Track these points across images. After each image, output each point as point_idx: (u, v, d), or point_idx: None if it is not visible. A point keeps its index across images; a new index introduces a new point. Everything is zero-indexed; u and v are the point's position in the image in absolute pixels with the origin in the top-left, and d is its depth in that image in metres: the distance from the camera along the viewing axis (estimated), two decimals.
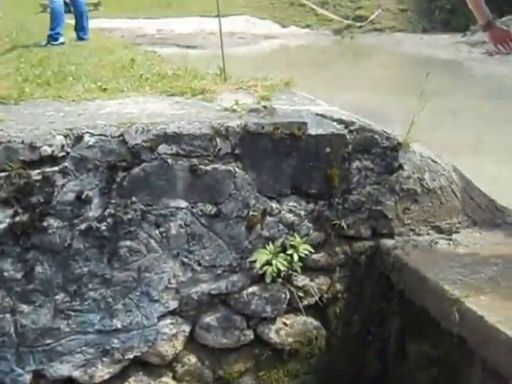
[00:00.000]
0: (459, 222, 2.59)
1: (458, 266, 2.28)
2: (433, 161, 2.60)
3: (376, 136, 2.49)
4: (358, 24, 24.60)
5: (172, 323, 2.33)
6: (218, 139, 2.28)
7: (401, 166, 2.53)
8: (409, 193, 2.53)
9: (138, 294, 2.27)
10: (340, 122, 2.49)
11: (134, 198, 2.21)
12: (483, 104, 8.75)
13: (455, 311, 2.03)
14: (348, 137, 2.45)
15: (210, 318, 2.37)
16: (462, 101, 9.12)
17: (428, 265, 2.29)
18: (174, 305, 2.32)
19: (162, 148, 2.22)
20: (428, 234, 2.55)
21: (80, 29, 6.81)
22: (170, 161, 2.23)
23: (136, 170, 2.20)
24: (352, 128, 2.47)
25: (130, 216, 2.21)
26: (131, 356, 2.30)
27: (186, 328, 2.36)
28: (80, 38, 6.70)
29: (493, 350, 1.89)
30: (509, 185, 4.78)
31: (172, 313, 2.33)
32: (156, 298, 2.29)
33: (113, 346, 2.27)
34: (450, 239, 2.51)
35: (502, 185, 4.73)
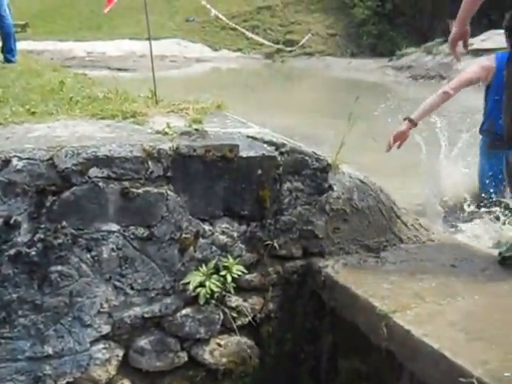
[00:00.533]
0: (386, 240, 2.67)
1: (386, 282, 2.34)
2: (361, 181, 2.67)
3: (306, 158, 2.55)
4: (289, 48, 25.06)
5: (105, 348, 2.31)
6: (149, 162, 2.28)
7: (330, 187, 2.59)
8: (338, 213, 2.60)
9: (69, 319, 2.23)
10: (271, 144, 2.53)
11: (64, 223, 2.19)
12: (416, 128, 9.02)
13: (383, 326, 2.08)
14: (279, 158, 2.49)
15: (143, 342, 2.36)
16: (388, 124, 9.36)
17: (357, 282, 2.35)
18: (106, 329, 2.30)
19: (93, 171, 2.21)
20: (357, 252, 2.61)
21: (7, 51, 6.70)
22: (100, 184, 2.22)
23: (66, 193, 2.18)
24: (283, 150, 2.51)
25: (60, 240, 2.19)
26: (64, 382, 2.25)
27: (120, 352, 2.34)
28: (7, 60, 6.59)
29: (420, 362, 1.95)
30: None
31: (105, 337, 2.30)
32: (88, 322, 2.26)
33: (44, 372, 2.22)
34: (378, 257, 2.58)
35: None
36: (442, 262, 2.53)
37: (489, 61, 4.54)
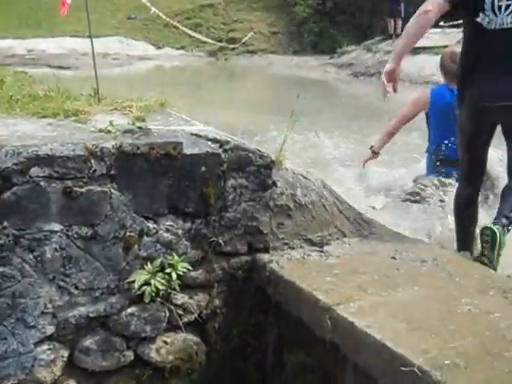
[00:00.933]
0: (330, 235, 2.72)
1: (329, 276, 2.39)
2: (304, 177, 2.71)
3: (250, 154, 2.57)
4: (231, 46, 25.07)
5: (49, 349, 2.27)
6: (92, 160, 2.26)
7: (274, 183, 2.62)
8: (282, 208, 2.63)
9: (12, 320, 2.19)
10: (215, 141, 2.54)
11: (5, 223, 2.14)
12: (350, 123, 9.21)
13: (327, 319, 2.12)
14: (223, 156, 2.51)
15: (88, 342, 2.34)
16: (330, 120, 9.53)
17: (302, 276, 2.39)
18: (50, 330, 2.27)
19: (34, 171, 2.17)
20: (301, 247, 2.65)
21: None
22: (42, 184, 2.18)
23: (7, 194, 2.14)
24: (227, 147, 2.53)
25: (1, 241, 2.14)
26: None
27: (65, 353, 2.31)
28: None
29: (363, 353, 1.99)
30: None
31: (49, 338, 2.27)
32: (32, 323, 2.22)
33: None
34: (322, 251, 2.62)
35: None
36: (384, 255, 2.59)
37: (423, 95, 5.10)
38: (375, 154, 5.08)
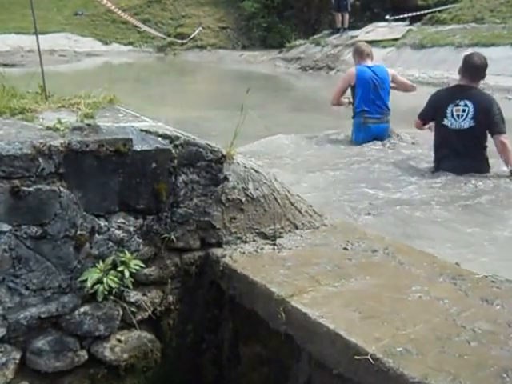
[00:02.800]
0: (282, 227, 2.74)
1: (282, 268, 2.40)
2: (255, 171, 2.72)
3: (201, 150, 2.56)
4: (180, 41, 24.91)
5: (1, 352, 2.23)
6: (40, 159, 2.23)
7: (226, 178, 2.62)
8: (234, 203, 2.63)
9: None
10: (165, 137, 2.53)
11: None
12: (302, 115, 9.30)
13: (282, 311, 2.14)
14: (173, 151, 2.49)
15: (41, 343, 2.30)
16: (280, 112, 9.58)
17: (255, 270, 2.40)
18: (1, 332, 2.22)
19: None
20: (254, 240, 2.66)
21: None
22: None
23: None
24: (177, 143, 2.52)
25: None
26: None
27: (17, 355, 2.27)
28: None
29: (317, 343, 2.02)
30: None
31: (0, 341, 2.23)
32: None
33: None
34: (275, 244, 2.64)
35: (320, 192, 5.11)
36: (335, 246, 2.62)
37: (349, 73, 7.23)
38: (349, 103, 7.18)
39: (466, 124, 5.49)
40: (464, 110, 5.49)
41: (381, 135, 6.93)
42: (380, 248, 2.59)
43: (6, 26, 22.55)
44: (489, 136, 5.59)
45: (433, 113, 5.80)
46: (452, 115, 5.54)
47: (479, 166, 5.56)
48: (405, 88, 7.36)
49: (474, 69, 5.58)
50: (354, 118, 7.00)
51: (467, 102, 5.50)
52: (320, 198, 4.50)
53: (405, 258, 2.49)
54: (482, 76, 5.66)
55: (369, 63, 6.99)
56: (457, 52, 14.90)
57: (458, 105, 5.54)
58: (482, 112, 5.46)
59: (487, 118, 5.45)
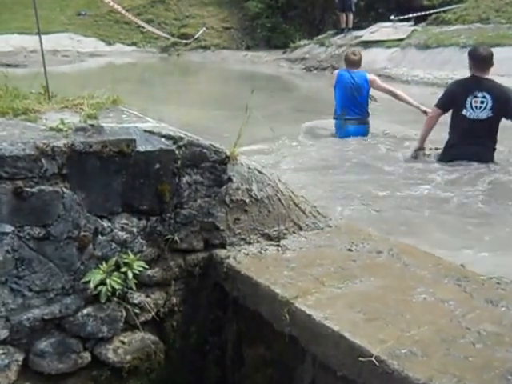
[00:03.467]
0: (286, 228, 2.73)
1: (286, 269, 2.39)
2: (259, 172, 2.71)
3: (204, 150, 2.55)
4: (184, 41, 24.91)
5: (4, 353, 2.22)
6: (43, 160, 2.22)
7: (230, 179, 2.61)
8: (238, 204, 2.62)
9: None
10: (168, 137, 2.52)
11: None
12: (306, 116, 9.32)
13: (286, 312, 2.13)
14: (177, 152, 2.48)
15: (44, 344, 2.29)
16: (284, 113, 9.57)
17: (259, 271, 2.39)
18: (4, 334, 2.21)
19: None
20: (258, 241, 2.65)
21: None
22: None
23: None
24: (180, 143, 2.51)
25: None
26: None
27: (19, 357, 2.26)
28: None
29: (321, 345, 2.01)
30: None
31: (3, 342, 2.22)
32: None
33: None
34: (279, 245, 2.63)
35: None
36: (340, 247, 2.61)
37: (334, 73, 8.22)
38: None
39: (485, 115, 5.87)
40: (482, 102, 5.87)
41: (360, 135, 7.40)
42: (385, 249, 2.57)
43: (8, 26, 22.58)
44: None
45: (451, 103, 6.11)
46: (471, 106, 5.90)
47: (489, 153, 5.99)
48: (387, 93, 7.71)
49: (482, 60, 5.98)
50: (335, 119, 7.58)
51: (485, 94, 5.87)
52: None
53: (410, 260, 2.47)
54: (491, 64, 6.01)
55: (353, 70, 7.53)
56: (462, 52, 14.86)
57: (476, 96, 5.89)
58: (500, 103, 5.84)
59: (506, 108, 5.85)
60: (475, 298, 2.16)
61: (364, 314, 2.04)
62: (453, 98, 6.11)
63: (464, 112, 5.94)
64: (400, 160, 6.40)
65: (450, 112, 6.17)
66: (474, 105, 5.90)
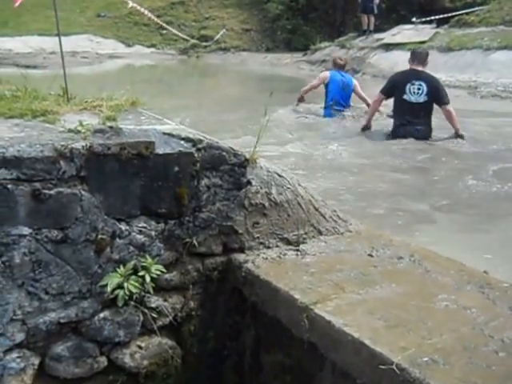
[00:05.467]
0: (306, 233, 2.69)
1: (306, 274, 2.36)
2: (279, 175, 2.68)
3: (224, 153, 2.53)
4: (204, 43, 24.96)
5: (19, 357, 2.21)
6: (61, 162, 2.21)
7: (249, 182, 2.59)
8: (257, 207, 2.60)
9: None
10: (187, 140, 2.50)
11: None
12: None
13: (305, 318, 2.10)
14: (196, 155, 2.46)
15: (60, 348, 2.28)
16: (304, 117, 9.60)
17: (278, 276, 2.36)
18: (20, 337, 2.21)
19: (1, 173, 2.11)
20: (277, 246, 2.62)
21: None
22: (10, 186, 2.12)
23: None
24: (200, 146, 2.48)
25: None
26: None
27: (35, 360, 2.25)
28: None
29: (341, 352, 1.98)
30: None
31: (19, 345, 2.21)
32: (0, 331, 2.16)
33: None
34: (298, 250, 2.60)
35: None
36: (360, 253, 2.58)
37: (324, 75, 9.67)
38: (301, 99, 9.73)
39: (422, 99, 7.41)
40: (419, 89, 7.42)
41: None
42: (406, 255, 2.53)
43: (28, 27, 22.79)
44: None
45: (393, 89, 7.70)
46: (410, 91, 7.46)
47: (429, 131, 7.54)
48: (363, 100, 9.29)
49: (420, 56, 7.71)
50: (324, 108, 9.33)
51: (421, 83, 7.44)
52: None
53: (431, 266, 2.43)
54: (427, 61, 7.71)
55: (341, 71, 9.52)
56: (485, 55, 14.71)
57: (413, 84, 7.44)
58: (433, 90, 7.41)
59: (437, 95, 7.43)
60: (498, 306, 2.13)
61: (385, 321, 2.00)
62: (394, 85, 7.69)
63: (405, 97, 7.47)
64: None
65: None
66: (412, 90, 7.44)
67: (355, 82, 9.55)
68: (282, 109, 9.34)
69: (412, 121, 7.45)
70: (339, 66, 9.56)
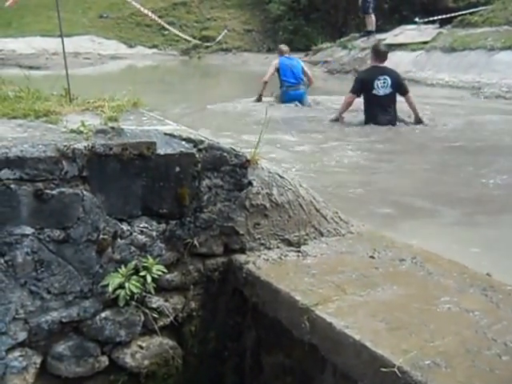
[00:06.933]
0: (307, 234, 2.69)
1: (307, 276, 2.36)
2: (280, 176, 2.68)
3: (225, 154, 2.53)
4: (206, 44, 24.95)
5: (21, 355, 2.22)
6: (64, 162, 2.21)
7: (250, 183, 2.58)
8: (258, 208, 2.60)
9: None
10: (189, 140, 2.50)
11: None
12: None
13: (306, 320, 2.10)
14: (197, 155, 2.46)
15: (62, 347, 2.29)
16: (305, 118, 9.63)
17: (279, 277, 2.36)
18: (22, 336, 2.21)
19: (4, 173, 2.11)
20: (278, 247, 2.62)
21: None
22: (13, 186, 2.13)
23: None
24: (201, 147, 2.48)
25: None
26: None
27: (37, 359, 2.26)
28: None
29: (342, 354, 1.97)
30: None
31: (21, 344, 2.22)
32: (3, 330, 2.17)
33: None
34: (299, 251, 2.59)
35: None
36: (362, 254, 2.57)
37: (275, 61, 11.40)
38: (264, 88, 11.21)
39: (388, 91, 8.61)
40: (384, 82, 8.58)
41: (299, 98, 10.88)
42: (408, 257, 2.53)
43: (31, 28, 22.81)
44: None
45: (362, 88, 8.75)
46: (378, 86, 8.60)
47: (395, 118, 8.72)
48: (306, 77, 11.17)
49: (382, 53, 9.01)
50: (280, 87, 11.05)
51: (385, 77, 8.62)
52: None
53: (434, 268, 2.43)
54: (387, 57, 9.04)
55: (287, 56, 11.42)
56: (488, 56, 14.63)
57: (379, 79, 8.58)
58: (395, 81, 8.63)
59: (400, 86, 8.70)
60: (502, 309, 2.11)
61: (386, 323, 2.00)
62: (363, 83, 8.78)
63: (374, 92, 8.60)
64: None
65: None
66: (379, 85, 8.58)
67: (301, 62, 11.61)
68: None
69: (383, 111, 8.66)
70: (285, 52, 11.60)
